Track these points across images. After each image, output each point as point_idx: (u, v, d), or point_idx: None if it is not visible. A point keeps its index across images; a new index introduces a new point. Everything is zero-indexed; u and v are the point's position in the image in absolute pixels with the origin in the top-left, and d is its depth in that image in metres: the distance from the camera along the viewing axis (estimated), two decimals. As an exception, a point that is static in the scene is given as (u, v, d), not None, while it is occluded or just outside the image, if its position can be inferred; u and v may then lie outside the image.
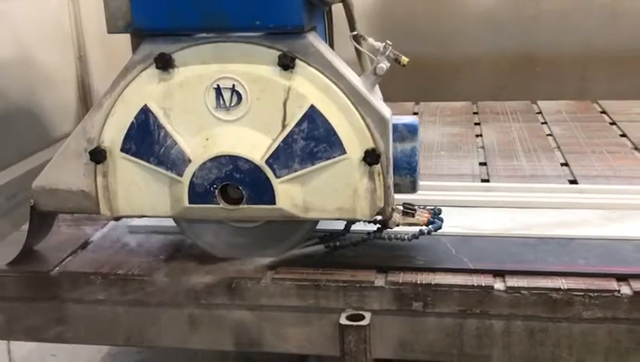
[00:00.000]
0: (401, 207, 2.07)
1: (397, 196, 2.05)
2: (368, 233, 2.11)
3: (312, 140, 1.95)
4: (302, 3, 1.89)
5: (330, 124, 1.94)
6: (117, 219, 2.16)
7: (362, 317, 1.99)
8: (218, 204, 2.00)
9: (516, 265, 2.05)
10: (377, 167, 1.95)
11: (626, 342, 1.94)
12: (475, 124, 3.71)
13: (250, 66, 1.95)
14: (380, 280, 2.03)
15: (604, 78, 4.34)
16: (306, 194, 1.99)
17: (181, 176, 1.99)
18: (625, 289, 1.93)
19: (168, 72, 1.98)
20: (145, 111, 1.99)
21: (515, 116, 3.80)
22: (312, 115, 1.94)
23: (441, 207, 2.18)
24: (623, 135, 3.39)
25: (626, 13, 4.36)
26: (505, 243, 2.19)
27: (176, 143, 1.99)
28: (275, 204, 1.98)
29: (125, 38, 4.28)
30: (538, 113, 3.88)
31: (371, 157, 1.94)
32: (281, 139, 1.95)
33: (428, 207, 2.12)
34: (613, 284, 1.95)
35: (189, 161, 1.98)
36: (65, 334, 2.19)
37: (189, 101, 1.98)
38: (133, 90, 2.00)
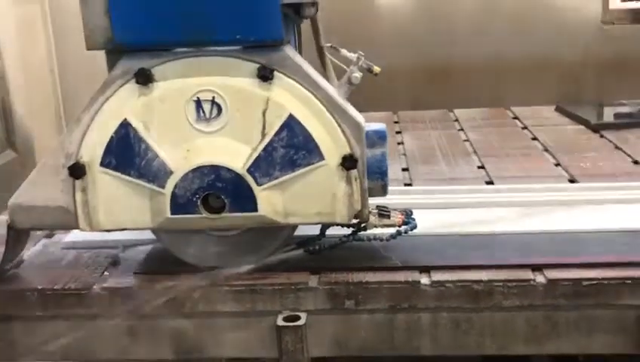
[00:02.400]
0: (375, 210, 2.12)
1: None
2: (347, 235, 2.16)
3: (291, 148, 1.98)
4: (281, 17, 1.94)
5: (308, 131, 1.98)
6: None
7: (298, 318, 2.03)
8: (200, 213, 2.01)
9: (440, 260, 2.14)
10: (354, 172, 2.01)
11: (542, 327, 2.05)
12: (397, 132, 3.83)
13: (230, 79, 1.97)
14: (313, 281, 2.09)
15: (516, 86, 4.54)
16: (286, 201, 2.02)
17: (163, 187, 1.99)
18: (540, 278, 2.03)
19: (148, 87, 1.98)
20: (125, 126, 1.98)
21: (434, 124, 3.95)
22: (291, 124, 1.98)
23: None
24: (534, 138, 3.58)
25: (532, 25, 4.59)
26: (429, 241, 2.26)
27: (157, 156, 1.98)
28: (257, 211, 2.00)
29: (44, 57, 4.22)
30: (455, 121, 4.05)
31: (349, 162, 2.00)
32: (261, 147, 1.98)
33: (399, 209, 2.19)
34: (529, 274, 2.05)
35: (171, 172, 1.98)
36: (2, 353, 2.14)
37: (169, 114, 1.98)
38: (112, 105, 2.00)
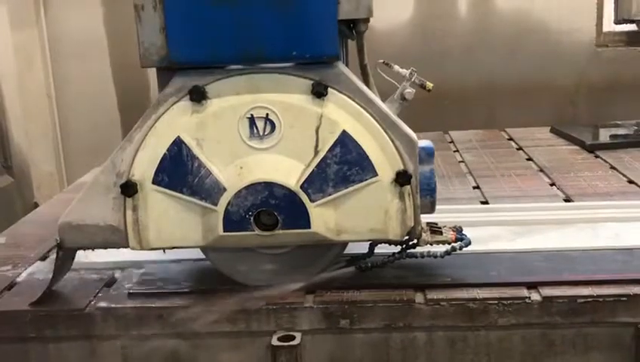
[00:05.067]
0: (426, 227, 2.08)
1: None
2: (399, 252, 2.11)
3: (344, 164, 1.93)
4: (337, 33, 1.90)
5: (361, 147, 1.93)
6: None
7: (293, 338, 1.97)
8: (253, 231, 1.94)
9: (435, 279, 2.10)
10: (408, 188, 1.96)
11: (538, 345, 2.01)
12: (392, 154, 3.81)
13: (283, 95, 1.92)
14: (308, 301, 2.03)
15: (511, 109, 4.56)
16: (338, 217, 1.97)
17: (216, 205, 1.93)
18: (535, 296, 2.00)
19: (201, 104, 1.92)
20: (178, 143, 1.92)
21: (429, 146, 3.94)
22: (344, 140, 1.93)
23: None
24: (529, 159, 3.57)
25: (526, 48, 4.63)
26: (423, 260, 2.18)
27: (210, 173, 1.92)
28: (309, 227, 1.94)
29: (41, 82, 4.13)
30: (450, 142, 4.03)
31: (403, 178, 1.95)
32: (314, 164, 1.93)
33: (449, 226, 2.15)
34: (523, 292, 2.02)
35: (224, 189, 1.92)
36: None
37: (222, 131, 1.93)
38: (165, 123, 1.93)
